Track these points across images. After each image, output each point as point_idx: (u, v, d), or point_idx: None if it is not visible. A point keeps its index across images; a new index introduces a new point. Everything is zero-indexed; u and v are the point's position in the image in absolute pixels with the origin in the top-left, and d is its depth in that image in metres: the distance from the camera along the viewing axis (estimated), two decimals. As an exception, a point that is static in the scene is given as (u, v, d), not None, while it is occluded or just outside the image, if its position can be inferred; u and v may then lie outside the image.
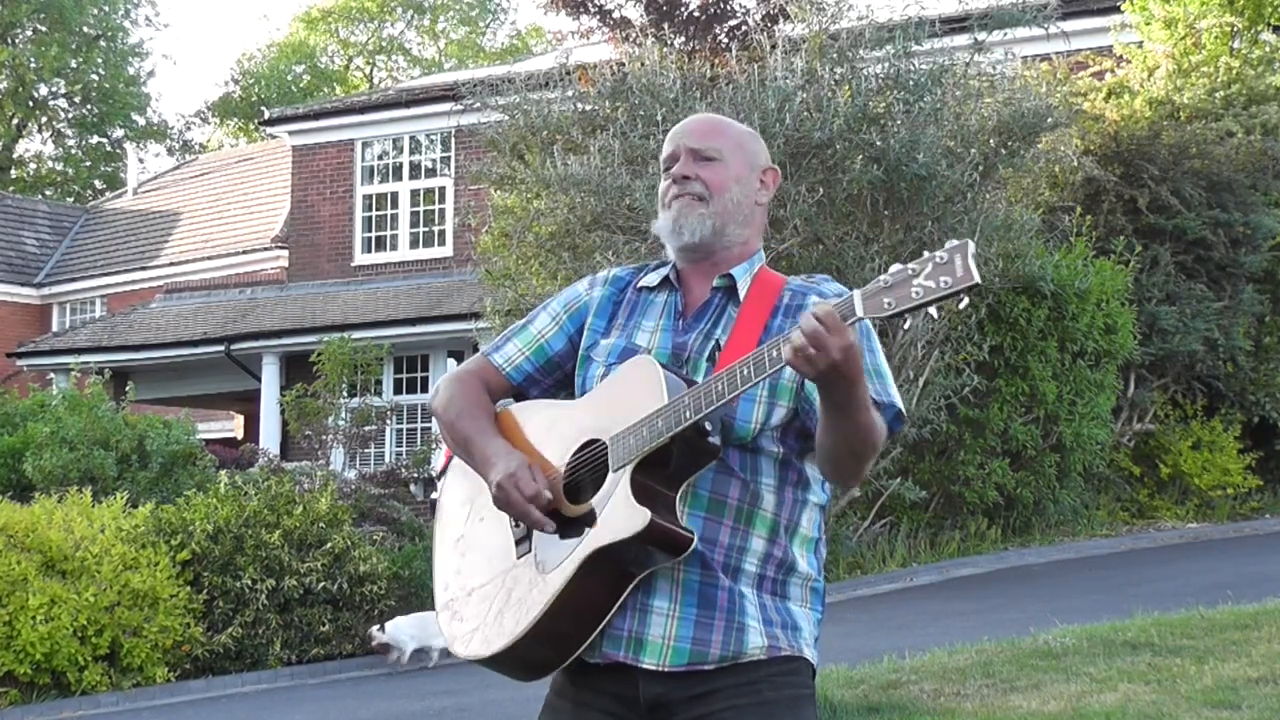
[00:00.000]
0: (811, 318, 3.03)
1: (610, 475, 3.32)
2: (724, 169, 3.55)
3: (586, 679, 3.42)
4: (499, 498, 3.40)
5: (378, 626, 13.88)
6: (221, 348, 26.09)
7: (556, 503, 3.39)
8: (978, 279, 2.95)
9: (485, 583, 3.50)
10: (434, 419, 3.75)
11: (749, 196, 3.58)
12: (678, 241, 3.55)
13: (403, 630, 13.81)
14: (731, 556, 3.36)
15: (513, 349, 3.68)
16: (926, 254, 3.01)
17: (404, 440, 24.79)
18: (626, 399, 3.35)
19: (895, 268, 3.03)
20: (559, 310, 3.68)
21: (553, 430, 3.52)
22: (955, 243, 2.99)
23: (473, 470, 3.57)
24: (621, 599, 3.31)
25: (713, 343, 3.45)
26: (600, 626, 3.32)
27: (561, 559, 3.32)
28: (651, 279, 3.63)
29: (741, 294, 3.51)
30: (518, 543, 3.45)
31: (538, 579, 3.35)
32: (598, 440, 3.38)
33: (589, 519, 3.32)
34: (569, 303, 3.69)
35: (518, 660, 3.41)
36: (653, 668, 3.33)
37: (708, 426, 3.25)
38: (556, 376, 3.67)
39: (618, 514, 3.26)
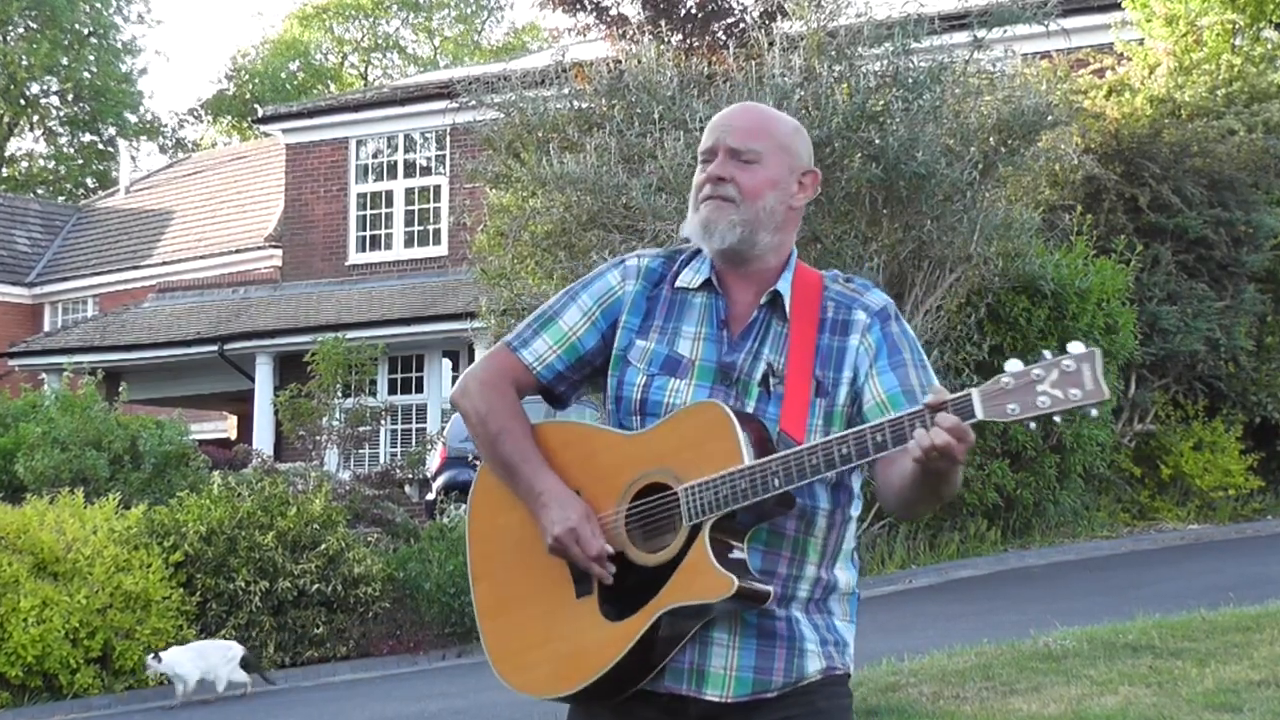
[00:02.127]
0: (944, 433, 2.99)
1: (684, 528, 3.25)
2: (762, 173, 3.46)
3: (632, 701, 3.37)
4: (556, 549, 3.33)
5: (153, 655, 13.15)
6: (215, 348, 26.08)
7: (618, 547, 3.32)
8: (1108, 394, 2.97)
9: (542, 619, 3.42)
10: (460, 415, 3.59)
11: (784, 202, 3.49)
12: (708, 245, 3.46)
13: (181, 661, 13.07)
14: (789, 587, 3.34)
15: (543, 346, 3.54)
16: (1049, 356, 3.00)
17: (399, 441, 24.78)
18: (695, 447, 3.26)
19: (1015, 366, 3.02)
20: (590, 305, 3.54)
21: (599, 462, 3.42)
22: (1081, 350, 2.98)
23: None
24: (685, 641, 3.28)
25: (764, 364, 3.38)
26: (663, 666, 3.29)
27: (633, 609, 3.27)
28: (689, 278, 3.51)
29: (787, 308, 3.43)
30: (576, 580, 3.38)
31: (604, 625, 3.30)
32: (666, 486, 3.28)
33: (661, 572, 3.26)
34: (601, 297, 3.55)
35: (576, 699, 3.40)
36: (716, 699, 3.30)
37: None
38: (585, 373, 3.57)
39: (699, 575, 3.20)
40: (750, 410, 3.33)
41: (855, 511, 3.46)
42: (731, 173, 3.44)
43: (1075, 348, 2.97)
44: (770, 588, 3.24)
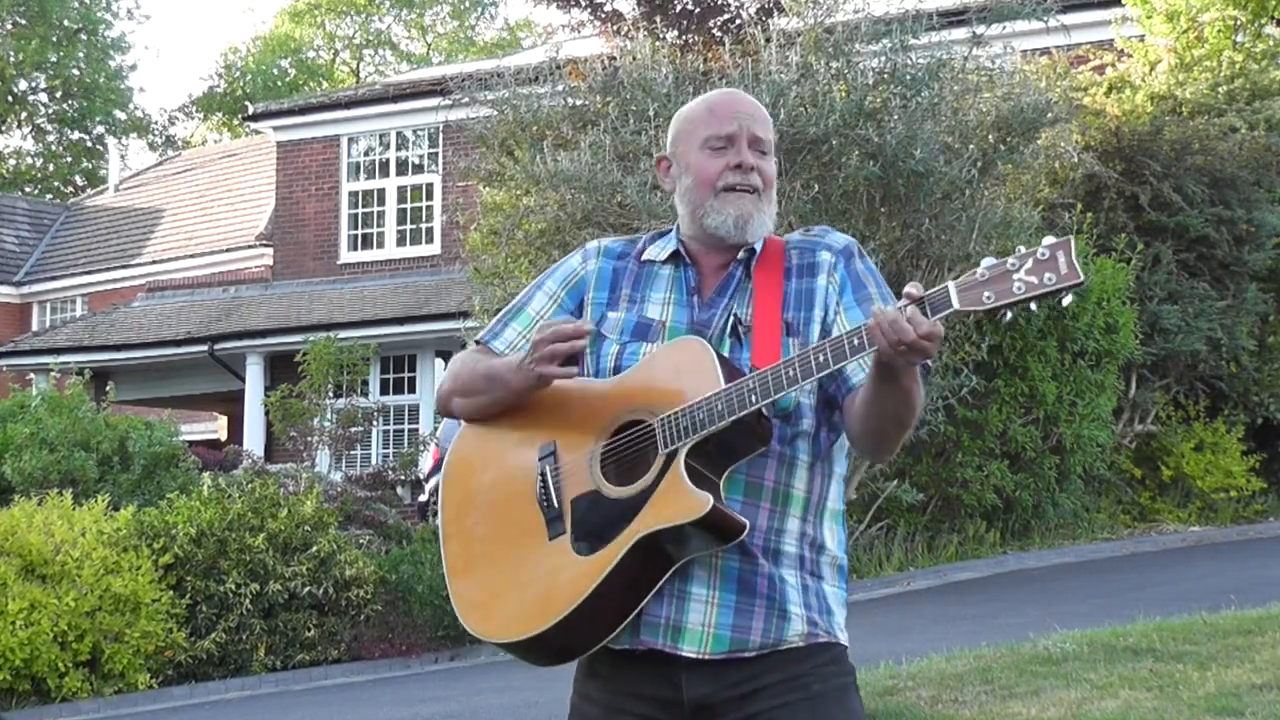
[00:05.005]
0: (921, 323, 3.00)
1: (659, 457, 3.25)
2: (771, 163, 3.51)
3: (623, 681, 3.37)
4: (536, 358, 3.33)
5: None
6: (205, 347, 25.98)
7: (592, 485, 3.32)
8: (1083, 277, 2.97)
9: (514, 565, 3.41)
10: (444, 403, 3.60)
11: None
12: (739, 239, 3.46)
13: None
14: (770, 539, 3.33)
15: (512, 333, 3.58)
16: (1023, 249, 3.01)
17: (391, 442, 24.70)
18: (672, 380, 3.29)
19: (989, 261, 3.02)
20: (555, 289, 3.60)
21: (572, 409, 3.44)
22: (1054, 240, 3.00)
23: (494, 438, 3.51)
24: (660, 583, 3.26)
25: (730, 316, 3.41)
26: (637, 610, 3.27)
27: (606, 541, 3.25)
28: (656, 252, 3.55)
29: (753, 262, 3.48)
30: (549, 522, 3.36)
31: (578, 562, 3.28)
32: (642, 421, 3.30)
33: (636, 501, 3.24)
34: (565, 279, 3.61)
35: (550, 645, 3.34)
36: (692, 655, 3.28)
37: (764, 410, 3.22)
38: None
39: (674, 498, 3.20)
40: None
41: (839, 469, 3.46)
42: (757, 163, 3.46)
43: (1049, 239, 3.01)
44: (745, 522, 3.21)
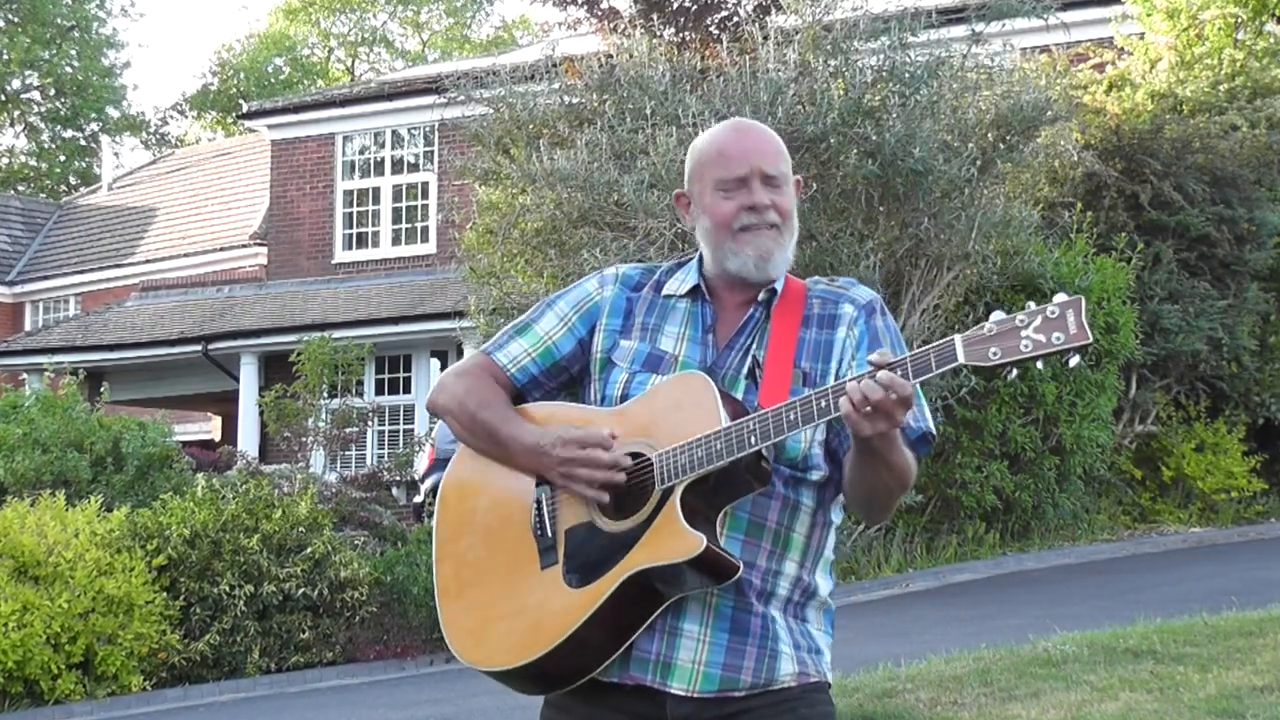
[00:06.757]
0: (875, 384, 3.00)
1: (655, 493, 3.24)
2: (789, 193, 3.50)
3: (604, 698, 3.34)
4: (567, 461, 3.30)
5: None
6: (199, 347, 25.99)
7: (587, 517, 3.31)
8: (1090, 338, 2.98)
9: (506, 593, 3.39)
10: (440, 415, 3.57)
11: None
12: (761, 278, 3.44)
13: None
14: (767, 581, 3.32)
15: (518, 349, 3.55)
16: (1033, 305, 3.02)
17: (386, 442, 24.71)
18: (673, 415, 3.28)
19: (998, 316, 3.04)
20: (568, 311, 3.56)
21: None
22: (1065, 298, 3.00)
23: (493, 462, 3.47)
24: (651, 619, 3.25)
25: (750, 359, 3.39)
26: (626, 645, 3.26)
27: (598, 575, 3.24)
28: (676, 285, 3.53)
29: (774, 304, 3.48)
30: (542, 551, 3.35)
31: (569, 593, 3.27)
32: (641, 454, 3.28)
33: (630, 536, 3.24)
34: (579, 303, 3.57)
35: (536, 675, 3.33)
36: (681, 693, 3.27)
37: (765, 452, 3.22)
38: (561, 380, 3.58)
39: (667, 536, 3.19)
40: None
41: (835, 519, 3.45)
42: (772, 199, 3.45)
43: (1060, 297, 2.99)
44: (739, 563, 3.21)
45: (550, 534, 3.34)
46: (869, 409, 2.98)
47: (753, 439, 3.14)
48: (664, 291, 3.52)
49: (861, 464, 3.18)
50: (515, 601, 3.35)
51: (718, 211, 3.44)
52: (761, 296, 3.44)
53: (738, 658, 3.27)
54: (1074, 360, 2.99)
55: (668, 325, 3.46)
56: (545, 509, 3.35)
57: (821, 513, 3.38)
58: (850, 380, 3.05)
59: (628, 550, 3.21)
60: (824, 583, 3.41)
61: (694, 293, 3.49)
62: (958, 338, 3.02)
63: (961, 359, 2.99)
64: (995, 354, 2.98)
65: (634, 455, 3.29)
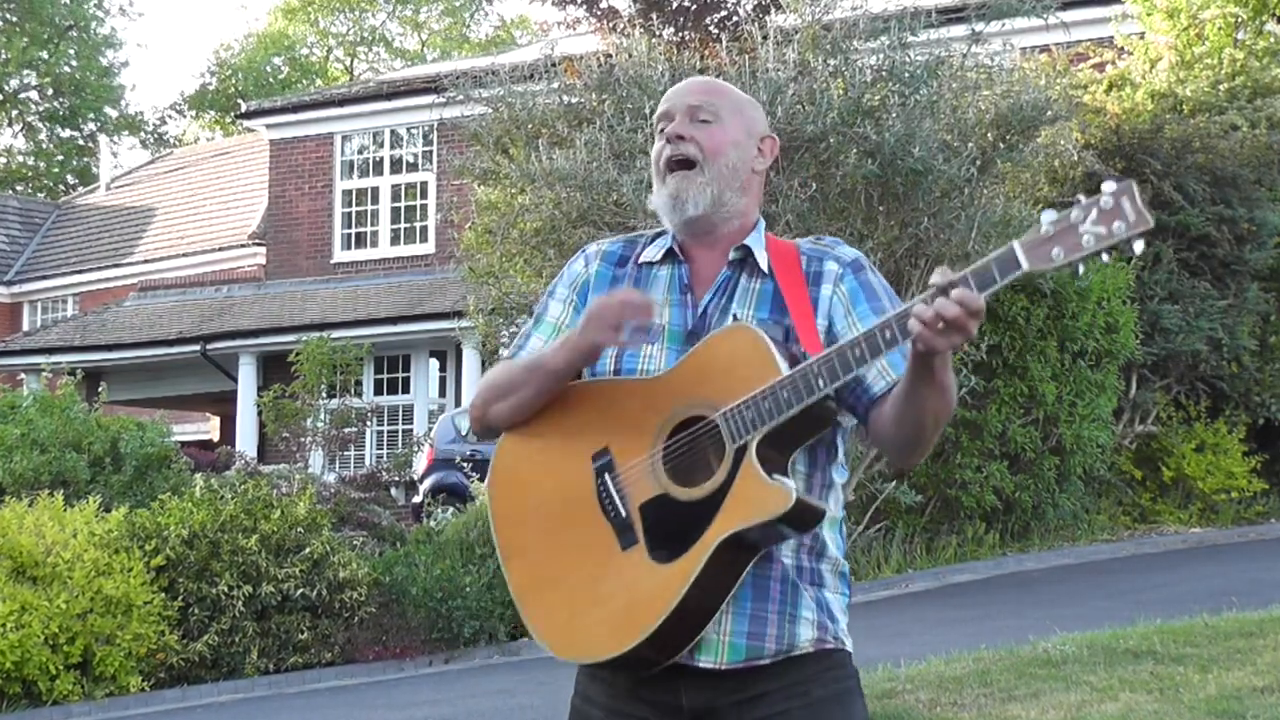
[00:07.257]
0: (949, 301, 2.91)
1: (728, 452, 3.14)
2: (721, 131, 3.43)
3: (624, 683, 3.31)
4: (597, 319, 3.25)
5: None
6: (197, 347, 26.03)
7: (659, 490, 3.21)
8: (1151, 221, 2.85)
9: (590, 580, 3.29)
10: (484, 408, 3.48)
11: (746, 163, 3.46)
12: (680, 216, 3.42)
13: None
14: (778, 546, 3.27)
15: (537, 342, 3.51)
16: (1084, 199, 2.88)
17: (385, 443, 24.73)
18: (727, 372, 3.19)
19: (1050, 214, 2.90)
20: (567, 293, 3.57)
21: (623, 409, 3.34)
22: (1115, 185, 2.87)
23: (538, 451, 3.41)
24: (743, 578, 3.19)
25: (730, 318, 3.35)
26: (721, 608, 3.18)
27: (687, 546, 3.15)
28: (652, 253, 3.51)
29: (762, 264, 3.41)
30: (619, 532, 3.26)
31: (657, 570, 3.18)
32: (700, 417, 3.20)
33: (712, 501, 3.14)
34: (573, 281, 3.58)
35: (641, 659, 3.23)
36: (709, 666, 3.22)
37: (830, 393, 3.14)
38: None
39: (753, 494, 3.10)
40: None
41: (840, 477, 3.40)
42: (691, 132, 3.41)
43: (1109, 184, 2.88)
44: (825, 506, 3.21)
45: (625, 513, 3.25)
46: (942, 325, 2.91)
47: (819, 382, 3.08)
48: (642, 260, 3.51)
49: (914, 392, 3.09)
50: (602, 587, 3.26)
51: (654, 154, 3.46)
52: (732, 256, 3.41)
53: (760, 624, 3.22)
54: (1139, 246, 2.86)
55: (652, 293, 3.42)
56: (611, 487, 3.27)
57: (819, 474, 3.32)
58: (918, 302, 2.96)
59: (713, 515, 3.13)
60: (832, 540, 3.35)
61: (669, 256, 3.47)
62: (1016, 243, 2.92)
63: (1025, 265, 2.90)
64: (1058, 254, 2.88)
65: (692, 419, 3.21)
